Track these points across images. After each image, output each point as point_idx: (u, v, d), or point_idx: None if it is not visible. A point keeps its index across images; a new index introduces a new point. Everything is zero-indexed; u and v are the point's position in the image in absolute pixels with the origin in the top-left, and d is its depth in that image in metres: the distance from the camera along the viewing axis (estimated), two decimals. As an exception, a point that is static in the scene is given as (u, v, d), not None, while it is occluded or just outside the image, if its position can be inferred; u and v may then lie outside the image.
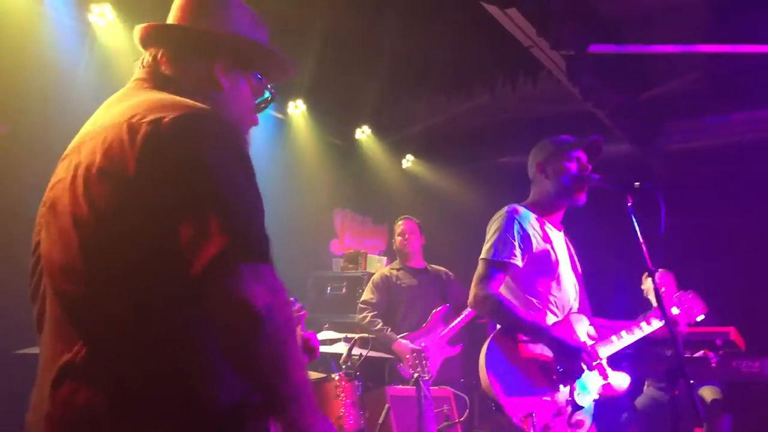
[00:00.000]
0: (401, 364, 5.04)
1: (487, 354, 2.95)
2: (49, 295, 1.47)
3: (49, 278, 1.47)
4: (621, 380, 3.15)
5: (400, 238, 5.76)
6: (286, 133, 6.79)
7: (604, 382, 3.08)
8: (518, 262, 3.04)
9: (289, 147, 6.82)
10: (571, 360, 2.95)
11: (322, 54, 5.64)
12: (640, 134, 6.83)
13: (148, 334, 1.38)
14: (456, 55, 5.75)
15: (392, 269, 5.75)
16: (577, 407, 2.95)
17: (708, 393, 5.34)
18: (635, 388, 5.73)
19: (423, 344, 5.20)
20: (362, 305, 5.57)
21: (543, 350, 2.99)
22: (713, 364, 4.62)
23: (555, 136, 3.31)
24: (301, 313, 2.33)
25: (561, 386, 2.96)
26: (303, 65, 5.93)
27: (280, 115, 6.74)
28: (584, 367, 2.97)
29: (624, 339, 3.21)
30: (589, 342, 3.13)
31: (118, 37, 4.84)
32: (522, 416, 2.82)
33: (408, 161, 8.16)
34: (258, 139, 7.11)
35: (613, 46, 5.49)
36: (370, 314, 5.43)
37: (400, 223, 5.81)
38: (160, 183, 1.39)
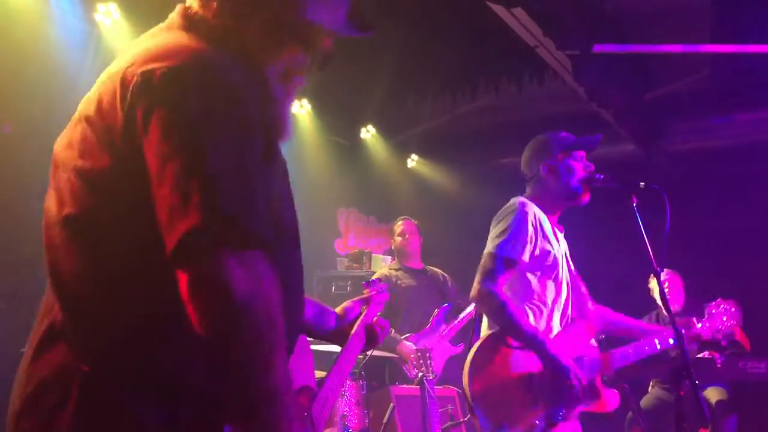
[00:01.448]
0: (406, 365, 5.04)
1: (473, 358, 2.89)
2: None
3: (44, 232, 1.38)
4: (610, 399, 3.09)
5: (400, 238, 5.76)
6: (291, 132, 6.79)
7: (592, 399, 3.02)
8: (525, 258, 2.99)
9: (294, 146, 6.83)
10: (558, 378, 2.87)
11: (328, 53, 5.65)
12: (644, 134, 6.82)
13: (121, 307, 1.27)
14: (461, 55, 5.75)
15: (392, 269, 5.74)
16: (553, 423, 2.87)
17: (713, 393, 5.33)
18: (640, 388, 5.73)
19: (427, 345, 5.20)
20: None
21: (532, 361, 2.92)
22: (718, 365, 4.62)
23: (553, 133, 3.24)
24: (382, 294, 2.30)
25: (542, 399, 2.88)
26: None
27: (285, 115, 6.74)
28: (571, 387, 2.88)
29: (639, 353, 3.15)
30: (589, 354, 3.07)
31: (123, 37, 4.85)
32: (492, 427, 2.77)
33: (413, 161, 8.16)
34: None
35: (617, 46, 5.49)
36: None
37: (399, 223, 5.82)
38: (141, 141, 1.25)
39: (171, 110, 1.24)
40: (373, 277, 5.63)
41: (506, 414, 2.83)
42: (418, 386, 4.03)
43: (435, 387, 4.13)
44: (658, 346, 3.18)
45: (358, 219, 7.95)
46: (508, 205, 3.13)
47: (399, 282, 5.61)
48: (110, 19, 4.88)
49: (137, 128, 1.25)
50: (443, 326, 5.32)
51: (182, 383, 1.28)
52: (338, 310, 2.15)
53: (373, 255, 6.86)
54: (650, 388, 5.77)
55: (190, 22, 1.42)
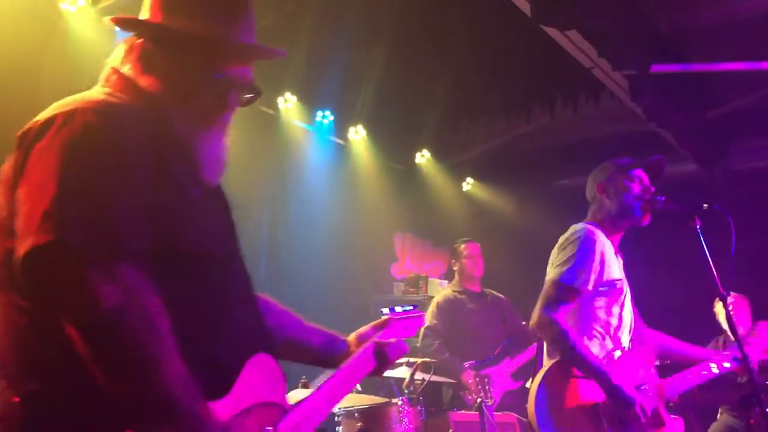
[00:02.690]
0: (466, 392, 4.98)
1: (539, 388, 2.84)
2: None
3: None
4: (675, 427, 3.02)
5: (467, 260, 5.66)
6: (347, 159, 6.88)
7: (658, 428, 2.95)
8: (590, 287, 2.95)
9: (349, 172, 6.90)
10: (623, 409, 2.83)
11: (382, 80, 5.72)
12: (706, 154, 6.66)
13: (25, 345, 1.39)
14: (515, 77, 5.74)
15: (455, 292, 5.67)
16: None
17: (785, 421, 5.12)
18: (709, 416, 5.54)
19: (489, 373, 5.15)
20: (426, 331, 5.50)
21: (597, 390, 2.87)
22: (790, 392, 4.43)
23: (616, 158, 3.24)
24: (412, 320, 2.14)
25: (608, 430, 2.83)
26: (363, 92, 6.02)
27: (341, 141, 6.84)
28: (637, 418, 2.83)
29: (699, 378, 3.10)
30: (646, 383, 3.01)
31: (88, 25, 4.68)
32: None
33: (468, 184, 8.14)
34: (319, 165, 7.14)
35: (676, 66, 5.40)
36: (436, 342, 5.36)
37: (465, 246, 5.72)
38: (17, 171, 1.39)
39: (44, 147, 1.38)
40: (437, 300, 5.63)
41: None
42: (477, 412, 3.98)
43: (494, 413, 4.08)
44: (716, 370, 3.12)
45: (414, 243, 7.96)
46: (572, 231, 3.08)
47: (464, 306, 5.54)
48: (76, 7, 4.67)
49: (18, 169, 1.40)
50: (507, 360, 5.23)
51: (89, 404, 1.33)
52: (351, 336, 2.04)
53: (429, 279, 6.85)
54: (719, 415, 5.57)
55: (107, 78, 1.61)
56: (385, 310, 2.15)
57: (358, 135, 6.80)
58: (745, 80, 5.91)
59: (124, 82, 1.59)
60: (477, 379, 4.06)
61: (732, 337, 3.29)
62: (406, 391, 4.17)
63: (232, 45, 1.63)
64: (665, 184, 3.23)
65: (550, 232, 3.20)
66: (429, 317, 5.59)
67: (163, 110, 1.56)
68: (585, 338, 2.97)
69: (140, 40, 1.62)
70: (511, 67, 5.56)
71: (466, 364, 5.17)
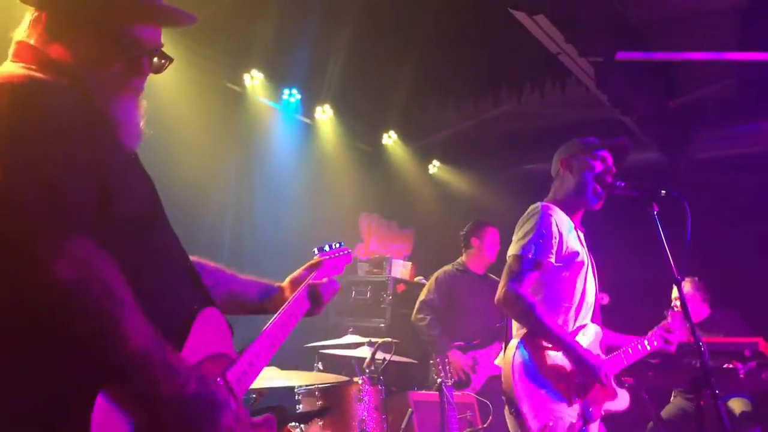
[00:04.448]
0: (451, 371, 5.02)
1: (515, 356, 2.88)
2: None
3: None
4: (623, 398, 3.13)
5: (490, 245, 5.54)
6: (314, 138, 6.84)
7: (612, 399, 3.06)
8: (552, 259, 2.99)
9: (316, 152, 6.87)
10: (590, 376, 2.93)
11: (349, 59, 5.69)
12: (668, 142, 6.76)
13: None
14: (483, 61, 5.75)
15: (457, 270, 5.64)
16: (588, 421, 2.92)
17: (737, 405, 5.27)
18: (662, 398, 5.68)
19: (474, 357, 5.20)
20: (421, 305, 5.53)
21: (564, 360, 2.96)
22: (741, 375, 4.55)
23: (583, 137, 3.27)
24: (341, 257, 2.24)
25: (575, 398, 2.93)
26: (331, 71, 5.98)
27: (307, 120, 6.80)
28: (600, 383, 2.95)
29: (630, 356, 3.18)
30: (602, 356, 3.11)
31: None
32: (540, 426, 2.79)
33: (434, 167, 8.17)
34: (285, 143, 7.11)
35: (641, 54, 5.46)
36: (429, 317, 5.38)
37: (490, 230, 5.60)
38: None
39: None
40: (437, 275, 5.61)
41: (551, 413, 2.85)
42: (437, 392, 4.02)
43: (454, 393, 4.12)
44: (648, 347, 3.23)
45: (379, 224, 7.97)
46: (530, 209, 3.14)
47: (462, 284, 5.53)
48: None
49: None
50: (497, 343, 5.23)
51: (55, 368, 1.34)
52: (284, 282, 2.13)
53: (393, 260, 6.87)
54: (672, 398, 5.71)
55: (17, 52, 1.59)
56: (315, 251, 2.25)
57: (325, 114, 6.76)
58: (709, 70, 6.01)
59: (35, 55, 1.57)
60: (446, 360, 4.07)
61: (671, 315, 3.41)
62: (367, 371, 4.20)
63: (133, 3, 1.61)
64: (628, 170, 3.28)
65: (515, 216, 3.22)
66: (426, 291, 5.60)
67: (78, 79, 1.55)
68: (550, 311, 3.02)
69: (42, 10, 1.60)
70: (479, 51, 5.57)
71: (456, 345, 5.20)
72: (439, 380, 3.99)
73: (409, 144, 7.69)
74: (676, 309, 3.41)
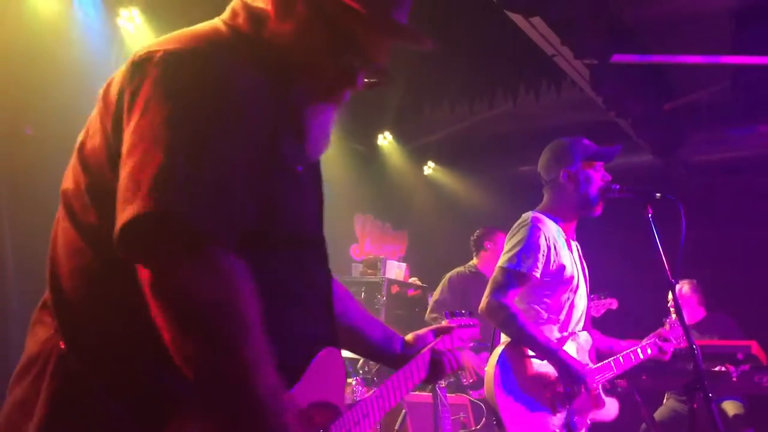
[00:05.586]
0: (462, 373, 5.03)
1: (497, 366, 2.89)
2: None
3: None
4: (611, 407, 3.07)
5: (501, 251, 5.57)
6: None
7: (599, 408, 3.00)
8: (537, 274, 2.98)
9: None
10: (575, 384, 2.89)
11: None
12: (663, 145, 6.77)
13: (98, 291, 1.24)
14: (479, 63, 5.75)
15: (470, 272, 5.68)
16: (572, 431, 2.90)
17: (730, 407, 5.28)
18: (655, 400, 5.69)
19: (488, 358, 5.21)
20: (434, 305, 5.55)
21: (548, 369, 2.93)
22: (734, 378, 4.57)
23: (575, 139, 3.15)
24: (469, 329, 2.03)
25: (560, 408, 2.90)
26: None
27: (302, 121, 6.77)
28: (585, 391, 2.91)
29: (621, 365, 3.12)
30: (591, 364, 3.07)
31: (146, 41, 4.87)
32: None
33: (429, 168, 8.17)
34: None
35: (637, 56, 5.47)
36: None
37: (501, 235, 5.43)
38: (124, 121, 1.22)
39: (153, 95, 1.19)
40: (450, 276, 5.61)
41: (532, 422, 2.83)
42: (431, 393, 4.02)
43: (447, 395, 4.12)
44: (641, 356, 3.17)
45: (374, 225, 7.96)
46: (521, 220, 3.10)
47: (477, 286, 5.52)
48: (132, 24, 4.94)
49: (124, 107, 1.23)
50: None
51: (147, 380, 1.22)
52: (408, 336, 1.90)
53: (387, 261, 6.86)
54: (665, 400, 5.72)
55: (235, 10, 1.39)
56: (444, 316, 2.08)
57: (320, 115, 6.74)
58: (704, 73, 6.02)
59: (251, 20, 1.36)
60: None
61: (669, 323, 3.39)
62: (360, 372, 4.20)
63: (384, 18, 1.40)
64: (621, 173, 3.27)
65: (509, 218, 3.22)
66: (439, 291, 5.62)
67: (284, 66, 1.34)
68: (535, 322, 3.00)
69: None
70: (474, 53, 5.56)
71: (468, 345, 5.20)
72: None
73: (404, 145, 7.69)
74: (673, 317, 3.38)
